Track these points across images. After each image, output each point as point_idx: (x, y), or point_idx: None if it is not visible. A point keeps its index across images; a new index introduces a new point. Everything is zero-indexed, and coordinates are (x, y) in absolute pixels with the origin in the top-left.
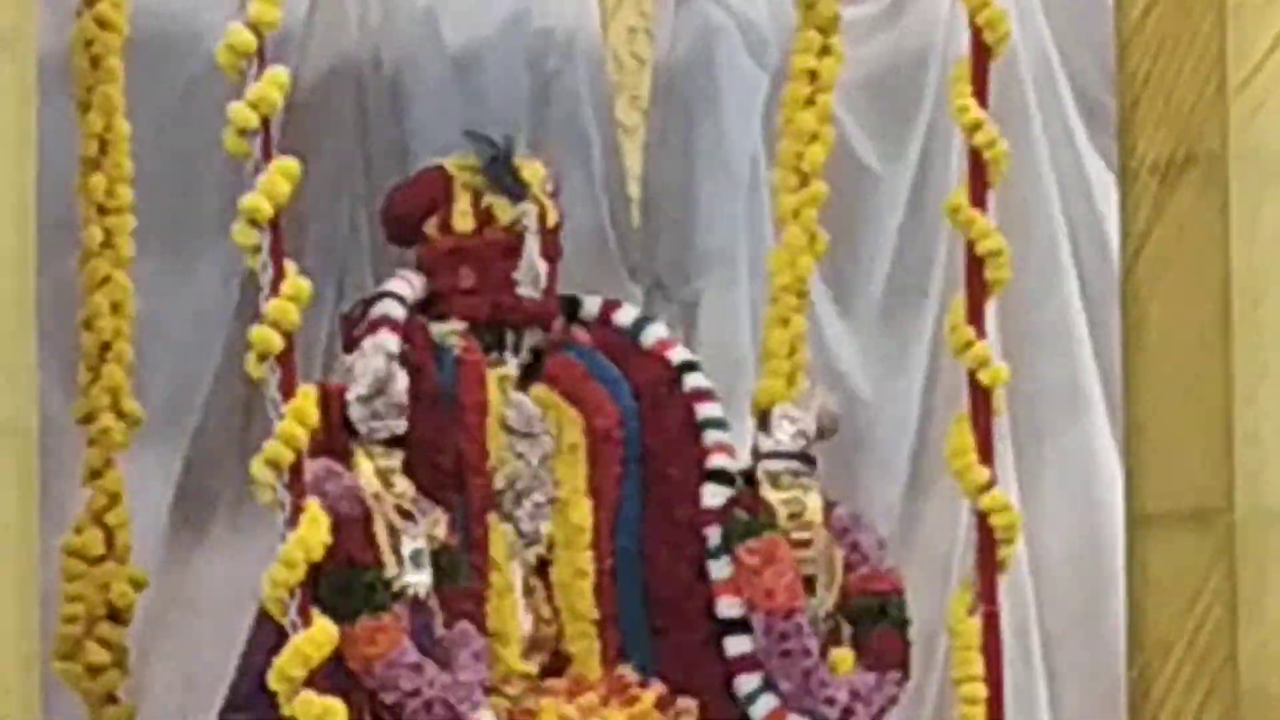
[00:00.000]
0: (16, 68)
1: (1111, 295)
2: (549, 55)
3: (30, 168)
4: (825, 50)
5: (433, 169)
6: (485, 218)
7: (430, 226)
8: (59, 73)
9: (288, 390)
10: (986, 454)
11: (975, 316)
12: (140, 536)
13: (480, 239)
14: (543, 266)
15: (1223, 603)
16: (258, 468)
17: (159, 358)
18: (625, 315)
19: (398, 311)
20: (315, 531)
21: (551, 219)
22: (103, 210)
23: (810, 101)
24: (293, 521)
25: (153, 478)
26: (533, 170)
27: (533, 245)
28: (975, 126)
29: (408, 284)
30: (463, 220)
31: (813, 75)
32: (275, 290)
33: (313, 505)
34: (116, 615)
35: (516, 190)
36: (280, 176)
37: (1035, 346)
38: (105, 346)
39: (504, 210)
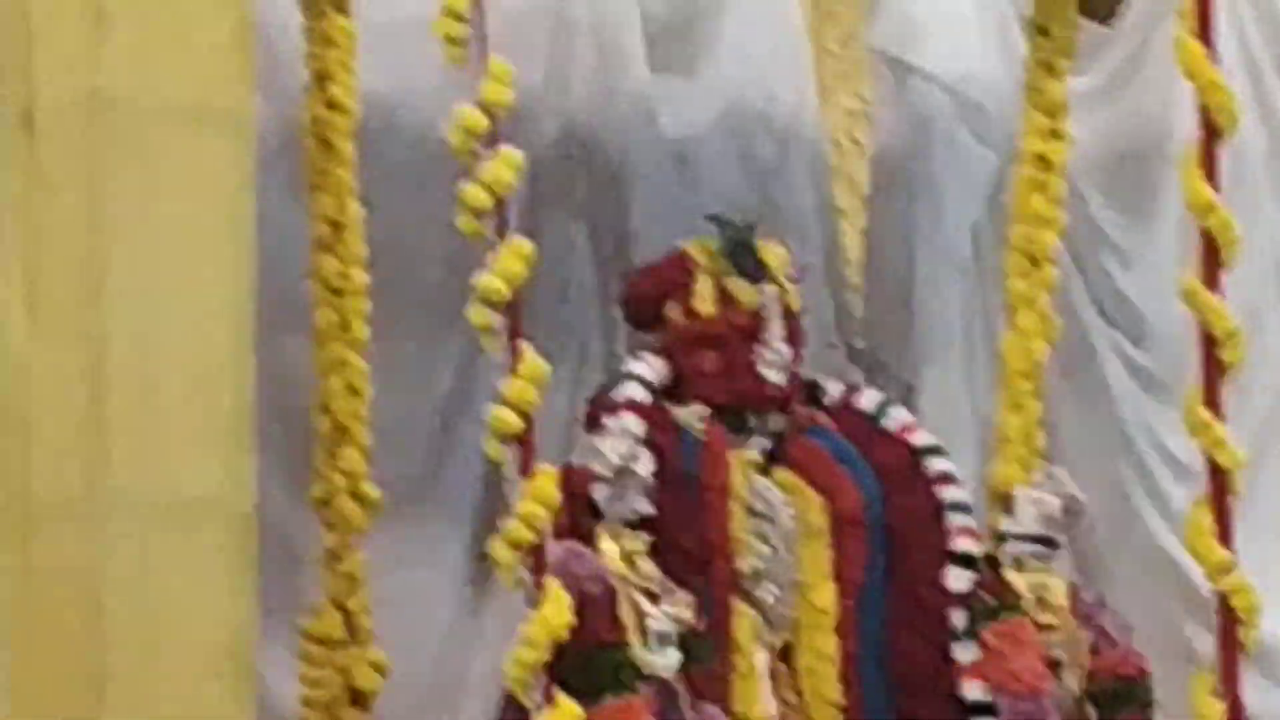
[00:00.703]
0: (236, 148)
1: None
2: (767, 142)
3: (249, 249)
4: (1054, 134)
5: (674, 252)
6: (727, 301)
7: (672, 309)
8: (275, 153)
9: (527, 471)
10: (1226, 536)
11: (1211, 398)
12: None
13: (722, 322)
14: (786, 351)
15: None
16: (498, 549)
17: (393, 443)
18: (868, 400)
19: (641, 394)
20: (558, 611)
21: (793, 303)
22: (336, 292)
23: (1041, 185)
24: (535, 602)
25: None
26: (774, 254)
27: (775, 329)
28: (1207, 209)
29: (649, 367)
30: (704, 303)
31: (1042, 159)
32: (513, 371)
33: (555, 585)
34: (360, 700)
35: (758, 273)
36: (515, 257)
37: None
38: (341, 430)
39: (746, 293)
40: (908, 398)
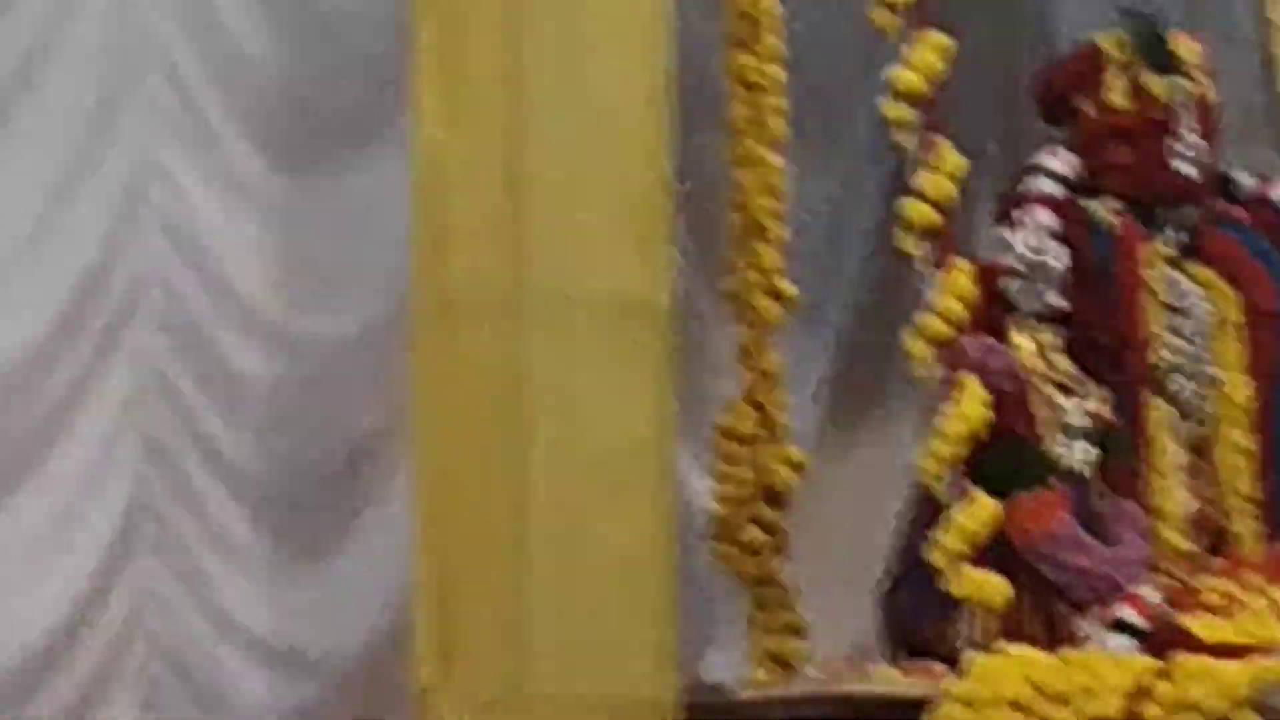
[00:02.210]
0: None
1: None
2: None
3: (665, 46)
4: None
5: (1086, 46)
6: (1140, 94)
7: (1084, 103)
8: None
9: (944, 265)
10: None
11: None
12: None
13: (1135, 116)
14: (1199, 144)
15: None
16: (913, 342)
17: (805, 241)
18: None
19: (1052, 187)
20: (975, 407)
21: (1208, 96)
22: (751, 88)
23: None
24: (950, 396)
25: (801, 359)
26: (1189, 47)
27: (1188, 122)
28: None
29: (1061, 160)
30: (1118, 97)
31: None
32: (929, 165)
33: (971, 380)
34: (774, 497)
35: (1170, 66)
36: (931, 51)
37: None
38: (757, 226)
39: (1158, 86)
40: None
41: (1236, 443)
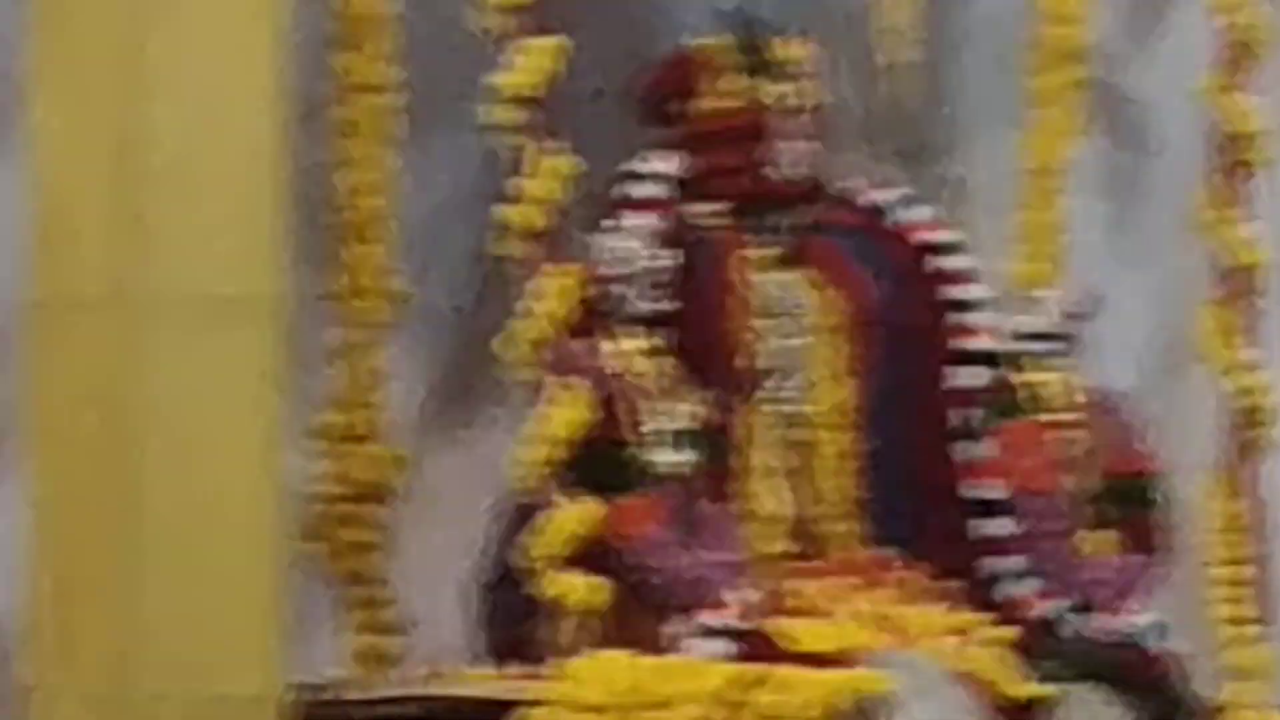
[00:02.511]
0: None
1: None
2: None
3: (280, 43)
4: None
5: (690, 47)
6: (744, 97)
7: (687, 106)
8: None
9: (547, 269)
10: (1245, 336)
11: (1230, 198)
12: (396, 416)
13: (738, 118)
14: (804, 147)
15: None
16: (515, 346)
17: (414, 237)
18: (887, 195)
19: (654, 190)
20: (574, 409)
21: (813, 99)
22: (360, 88)
23: None
24: (550, 399)
25: (406, 358)
26: (793, 49)
27: (793, 125)
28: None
29: (666, 164)
30: (720, 100)
31: None
32: (536, 167)
33: (571, 383)
34: (376, 495)
35: (777, 70)
36: (543, 53)
37: None
38: (366, 224)
39: (764, 90)
40: (955, 192)
41: (836, 445)
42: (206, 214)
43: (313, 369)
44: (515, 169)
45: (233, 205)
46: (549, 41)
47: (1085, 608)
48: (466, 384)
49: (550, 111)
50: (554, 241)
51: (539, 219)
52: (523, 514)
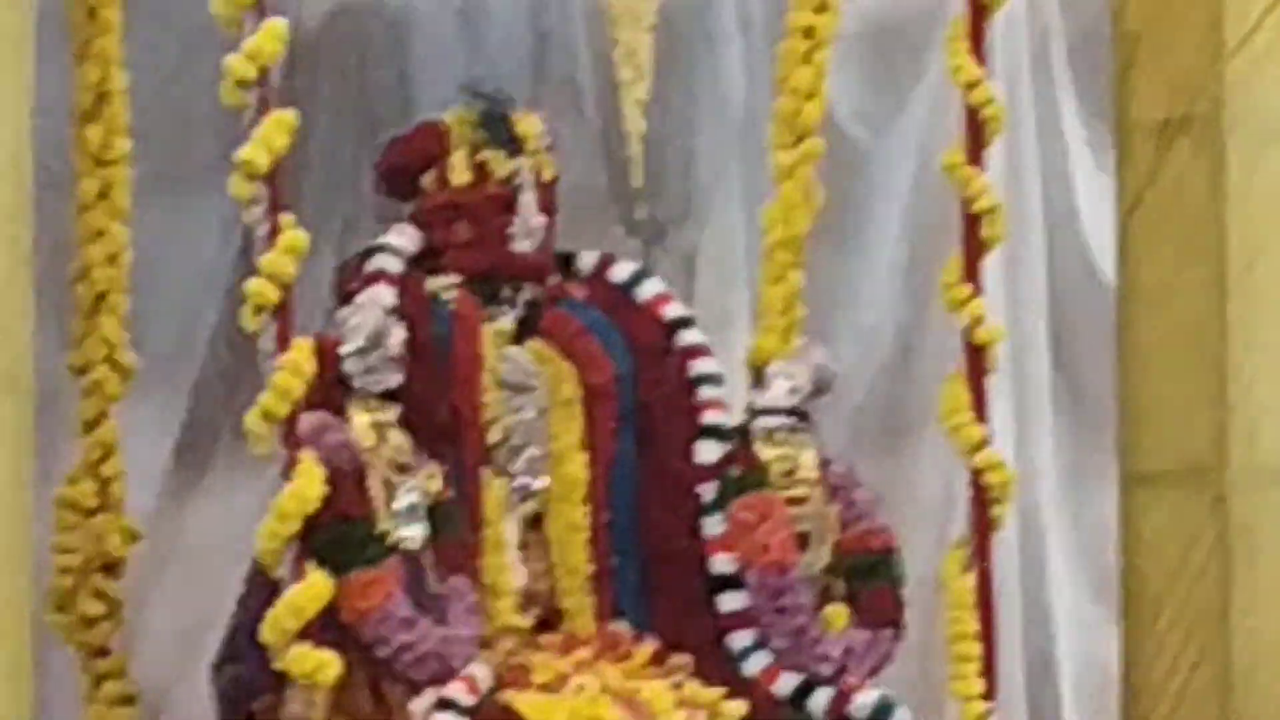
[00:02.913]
0: (13, 17)
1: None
2: (550, 7)
3: (25, 120)
4: (822, 6)
5: (429, 122)
6: (481, 172)
7: (426, 180)
8: (55, 25)
9: (283, 343)
10: (981, 412)
11: (971, 273)
12: (136, 487)
13: (476, 193)
14: (539, 221)
15: (1216, 560)
16: (253, 420)
17: (156, 310)
18: (621, 270)
19: (393, 265)
20: (310, 484)
21: (548, 174)
22: (99, 162)
23: (807, 58)
24: (287, 474)
25: (150, 429)
26: (529, 124)
27: (529, 200)
28: (972, 84)
29: (403, 237)
30: (459, 174)
31: (809, 31)
32: (272, 243)
33: (307, 457)
34: (110, 567)
35: (513, 145)
36: (277, 129)
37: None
38: (100, 298)
39: (500, 164)
40: (686, 267)
41: (571, 518)
42: None
43: (68, 443)
44: (253, 243)
45: None
46: (285, 116)
47: (820, 682)
48: (213, 455)
49: (287, 185)
50: (288, 315)
51: (273, 293)
52: (264, 586)
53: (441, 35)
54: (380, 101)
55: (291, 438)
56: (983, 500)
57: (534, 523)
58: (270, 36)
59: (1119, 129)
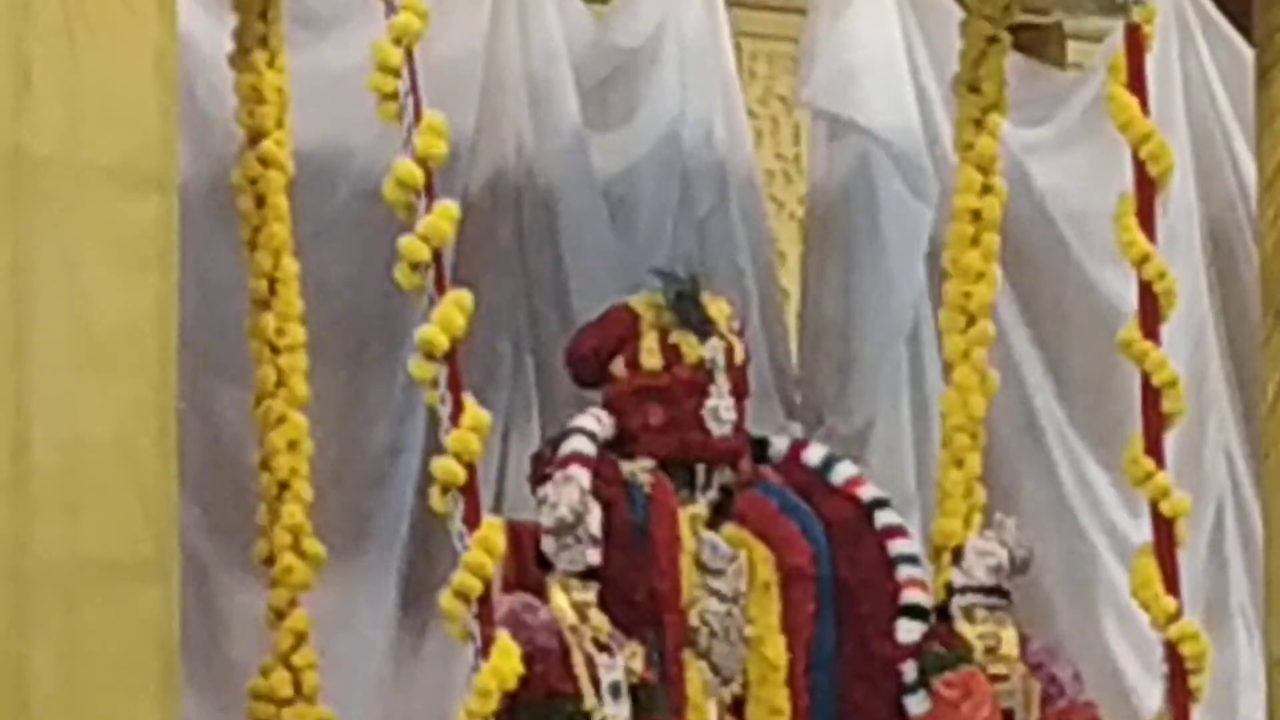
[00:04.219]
0: (161, 209)
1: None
2: (703, 189)
3: (173, 311)
4: (987, 188)
5: (619, 307)
6: (673, 355)
7: (618, 365)
8: (207, 207)
9: (472, 522)
10: (1173, 584)
11: (1154, 448)
12: (349, 667)
13: (669, 377)
14: (732, 404)
15: None
16: (447, 600)
17: (341, 496)
18: (814, 454)
19: (588, 447)
20: (508, 662)
21: (738, 356)
22: (275, 350)
23: (974, 240)
24: (484, 653)
25: (361, 613)
26: (718, 307)
27: (721, 382)
28: (1143, 259)
29: (597, 421)
30: (650, 358)
31: (976, 214)
32: (455, 422)
33: (504, 636)
34: None
35: (704, 327)
36: (454, 309)
37: None
38: (283, 486)
39: (692, 348)
40: (855, 451)
41: (771, 702)
42: (95, 471)
43: (222, 633)
44: (438, 421)
45: (123, 464)
46: (461, 295)
47: None
48: (415, 633)
49: (467, 364)
50: (474, 495)
51: (460, 472)
52: None
53: (594, 221)
54: (537, 283)
55: (487, 616)
56: (1179, 671)
57: (734, 707)
58: (442, 217)
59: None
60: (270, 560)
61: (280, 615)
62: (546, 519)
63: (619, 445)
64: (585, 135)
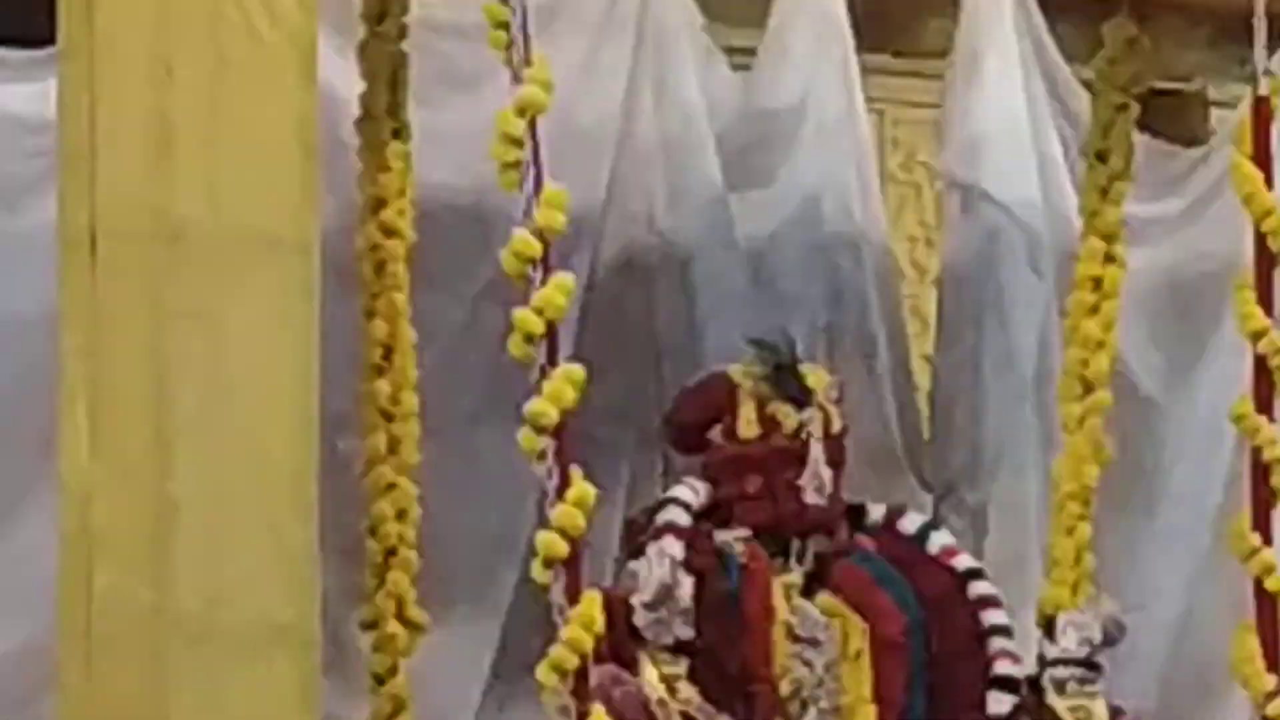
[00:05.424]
0: (302, 274)
1: None
2: (839, 255)
3: (314, 377)
4: (1109, 258)
5: (718, 375)
6: (770, 424)
7: (715, 433)
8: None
9: (573, 596)
10: (1273, 661)
11: (1261, 523)
12: None
13: (765, 446)
14: (827, 474)
15: None
16: (545, 673)
17: (451, 564)
18: (910, 522)
19: (682, 518)
20: None
21: (835, 426)
22: (387, 416)
23: (1095, 309)
24: None
25: (458, 673)
26: (817, 377)
27: (817, 452)
28: (1260, 333)
29: (692, 491)
30: (748, 427)
31: (1097, 282)
32: (560, 496)
33: (599, 711)
34: None
35: (801, 397)
36: (566, 383)
37: None
38: (390, 553)
39: (789, 417)
40: (977, 519)
41: None
42: (239, 540)
43: (350, 696)
44: (543, 497)
45: (265, 533)
46: (573, 370)
47: None
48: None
49: (575, 438)
50: (577, 568)
51: (563, 545)
52: None
53: (731, 286)
54: (669, 351)
55: (582, 690)
56: None
57: None
58: (557, 289)
59: None
60: (373, 625)
61: (380, 681)
62: (638, 593)
63: (714, 514)
64: (726, 198)
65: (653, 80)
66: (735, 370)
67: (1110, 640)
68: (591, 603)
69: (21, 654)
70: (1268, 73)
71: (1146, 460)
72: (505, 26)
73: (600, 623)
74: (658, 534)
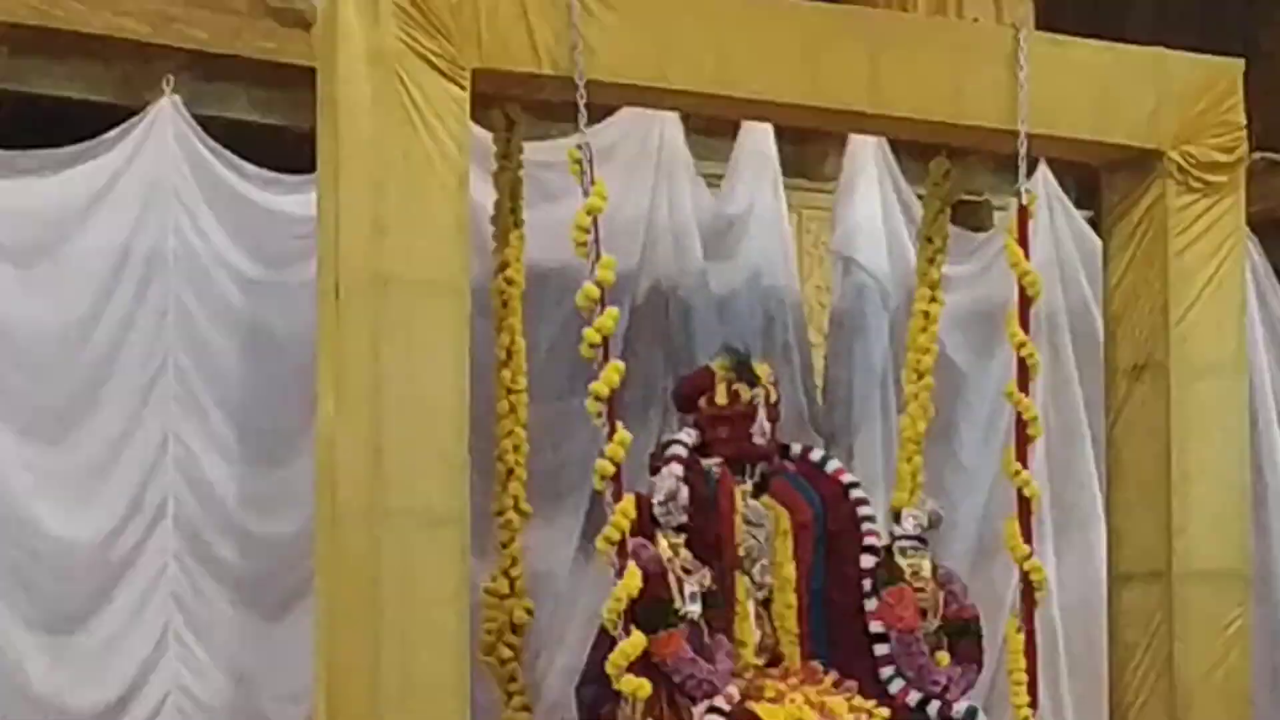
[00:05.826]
0: (459, 310)
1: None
2: (772, 300)
3: (465, 363)
4: (933, 299)
5: (703, 368)
6: (734, 397)
7: (702, 402)
8: (480, 307)
9: (617, 497)
10: (1028, 536)
11: (1020, 454)
12: (546, 573)
13: (731, 409)
14: (768, 426)
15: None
16: (600, 543)
17: (552, 471)
18: (816, 454)
19: (682, 451)
20: (633, 580)
21: (773, 398)
22: (509, 390)
23: (924, 329)
24: (620, 573)
25: (557, 540)
26: (763, 368)
27: (762, 413)
28: (1021, 344)
29: (688, 435)
30: (721, 398)
31: (926, 314)
32: (610, 439)
33: (632, 564)
34: (516, 630)
35: (753, 381)
36: (614, 372)
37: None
38: (509, 472)
39: (746, 393)
40: (847, 454)
41: (786, 601)
42: (423, 462)
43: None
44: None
45: (435, 459)
46: (617, 364)
47: (933, 697)
48: (587, 557)
49: (619, 404)
50: (619, 483)
51: (610, 467)
52: (606, 639)
53: (710, 317)
54: (674, 353)
55: (623, 552)
56: (1028, 588)
57: (764, 604)
58: (609, 318)
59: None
60: (501, 513)
61: (505, 545)
62: (655, 495)
63: (701, 449)
64: (705, 267)
65: (665, 195)
66: (713, 364)
67: (934, 523)
68: (629, 501)
69: (298, 535)
70: (1026, 190)
71: (957, 414)
72: (579, 162)
73: (633, 513)
74: (667, 461)
